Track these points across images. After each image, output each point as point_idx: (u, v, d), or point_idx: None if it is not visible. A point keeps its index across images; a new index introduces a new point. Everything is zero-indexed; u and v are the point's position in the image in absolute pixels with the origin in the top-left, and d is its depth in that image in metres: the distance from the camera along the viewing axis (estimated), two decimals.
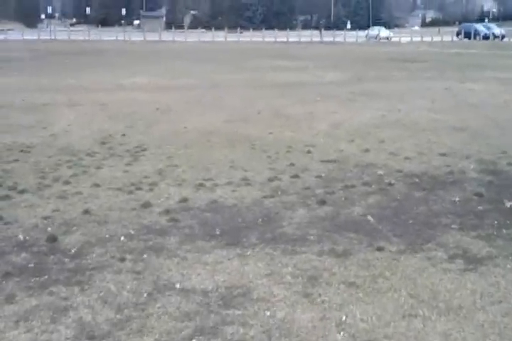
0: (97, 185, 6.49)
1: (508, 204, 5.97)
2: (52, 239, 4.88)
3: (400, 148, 8.62)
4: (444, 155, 8.20)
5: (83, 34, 54.21)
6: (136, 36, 54.06)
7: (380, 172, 7.27)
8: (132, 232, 5.06)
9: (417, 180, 6.94)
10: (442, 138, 9.36)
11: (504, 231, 5.22)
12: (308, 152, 8.36)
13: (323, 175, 7.14)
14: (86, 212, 5.57)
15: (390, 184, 6.74)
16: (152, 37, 51.95)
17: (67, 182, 6.58)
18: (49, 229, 5.13)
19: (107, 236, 4.98)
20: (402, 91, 15.47)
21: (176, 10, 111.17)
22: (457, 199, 6.18)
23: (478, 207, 5.92)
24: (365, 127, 10.35)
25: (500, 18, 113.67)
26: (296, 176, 7.03)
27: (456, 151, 8.43)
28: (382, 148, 8.64)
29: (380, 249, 4.74)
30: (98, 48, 37.67)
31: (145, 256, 4.55)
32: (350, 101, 13.68)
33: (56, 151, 8.17)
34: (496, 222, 5.44)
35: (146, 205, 5.80)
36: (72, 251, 4.66)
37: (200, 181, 6.72)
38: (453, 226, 5.35)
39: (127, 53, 33.37)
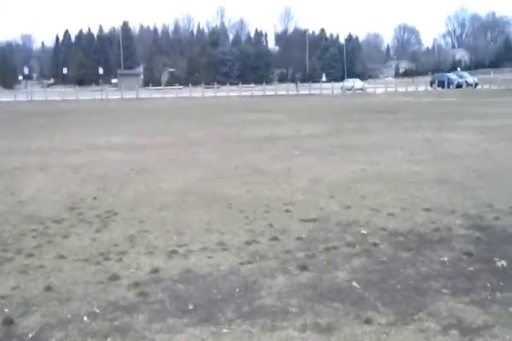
0: (62, 257, 6.06)
1: (499, 264, 5.65)
2: (9, 321, 4.44)
3: (382, 204, 8.31)
4: (428, 210, 7.90)
5: (60, 94, 54.28)
6: (113, 94, 54.23)
7: (364, 231, 6.94)
8: (97, 311, 4.62)
9: (402, 238, 6.60)
10: (425, 192, 9.07)
11: (498, 294, 4.86)
12: (288, 211, 8.02)
13: (303, 236, 6.78)
14: (48, 288, 5.13)
15: (374, 244, 6.39)
16: (129, 95, 52.18)
17: (30, 255, 6.13)
18: (6, 310, 4.68)
19: (69, 316, 4.54)
20: (380, 143, 15.31)
21: (153, 67, 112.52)
22: (446, 259, 5.83)
23: (469, 268, 5.58)
24: (345, 182, 10.06)
25: (472, 67, 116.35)
26: (275, 238, 6.66)
27: (440, 206, 8.13)
28: (364, 204, 8.33)
29: (368, 321, 4.34)
30: (74, 108, 37.62)
31: (109, 339, 4.12)
32: (329, 155, 13.45)
33: (22, 219, 7.74)
34: (489, 285, 5.09)
35: (114, 278, 5.37)
36: (30, 335, 4.21)
37: (174, 248, 6.33)
38: (444, 290, 4.98)
39: (104, 112, 33.28)
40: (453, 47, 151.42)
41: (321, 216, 7.71)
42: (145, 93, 56.10)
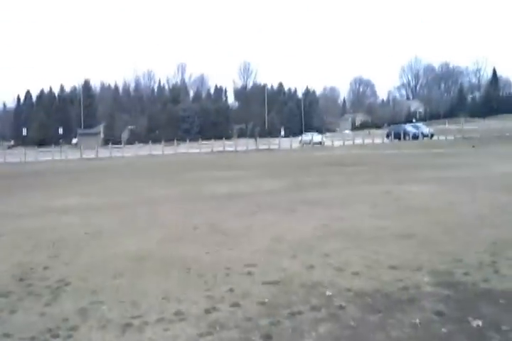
0: (7, 336, 5.59)
1: (474, 324, 5.38)
2: None
3: (347, 262, 8.03)
4: (394, 268, 7.64)
5: (19, 156, 53.57)
6: (72, 154, 53.83)
7: (329, 292, 6.62)
8: None
9: (369, 300, 6.30)
10: (389, 248, 8.83)
11: None
12: (249, 273, 7.68)
13: (266, 300, 6.43)
14: None
15: (340, 307, 6.08)
16: (89, 154, 51.68)
17: None
18: None
19: None
20: (342, 198, 15.14)
21: (114, 126, 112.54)
22: (417, 321, 5.54)
23: (442, 329, 5.29)
24: (307, 239, 9.78)
25: (427, 118, 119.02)
26: (236, 304, 6.31)
27: (406, 262, 7.89)
28: (328, 263, 8.04)
29: None
30: (32, 170, 37.06)
31: None
32: (290, 211, 13.19)
33: None
34: None
35: None
36: None
37: (128, 320, 5.91)
38: None
39: (62, 173, 32.78)
40: (408, 98, 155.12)
41: (284, 277, 7.39)
42: (105, 152, 55.71)
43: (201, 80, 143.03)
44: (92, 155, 52.43)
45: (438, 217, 11.51)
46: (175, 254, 9.10)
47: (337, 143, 59.60)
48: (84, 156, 52.21)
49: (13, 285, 7.55)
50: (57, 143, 75.93)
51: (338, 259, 8.26)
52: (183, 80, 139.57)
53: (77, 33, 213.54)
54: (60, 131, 79.55)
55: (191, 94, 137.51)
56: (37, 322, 5.98)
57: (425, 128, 69.16)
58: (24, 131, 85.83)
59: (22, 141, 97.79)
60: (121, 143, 74.10)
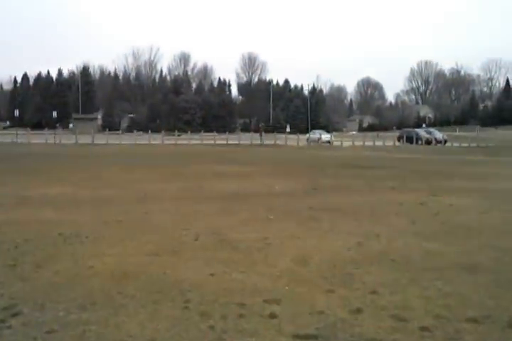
0: None
1: None
2: None
3: (405, 307, 5.79)
4: (475, 321, 5.41)
5: (11, 137, 51.34)
6: (67, 139, 51.52)
7: None
8: None
9: None
10: (456, 286, 6.58)
11: None
12: (272, 316, 5.46)
13: None
14: None
15: None
16: (85, 140, 49.44)
17: None
18: None
19: None
20: (370, 206, 12.89)
21: (113, 113, 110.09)
22: None
23: None
24: (342, 264, 7.54)
25: (437, 124, 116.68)
26: None
27: (488, 312, 5.65)
28: (380, 306, 5.80)
29: None
30: (21, 152, 34.74)
31: None
32: (312, 220, 10.94)
33: None
34: None
35: None
36: None
37: None
38: None
39: (50, 158, 30.49)
40: (417, 103, 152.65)
41: (322, 328, 5.17)
42: (101, 138, 53.33)
43: (204, 72, 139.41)
44: (88, 141, 50.14)
45: (499, 241, 9.23)
46: (169, 274, 6.88)
47: (346, 143, 57.25)
48: (79, 141, 49.95)
49: None
50: (52, 127, 73.57)
51: (392, 300, 6.02)
52: (185, 71, 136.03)
53: (79, 16, 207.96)
54: (54, 114, 76.57)
55: (194, 85, 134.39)
56: None
57: (438, 134, 66.80)
58: (16, 113, 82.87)
59: (18, 123, 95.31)
60: (119, 131, 71.62)
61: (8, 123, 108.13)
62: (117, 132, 62.55)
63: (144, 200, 13.39)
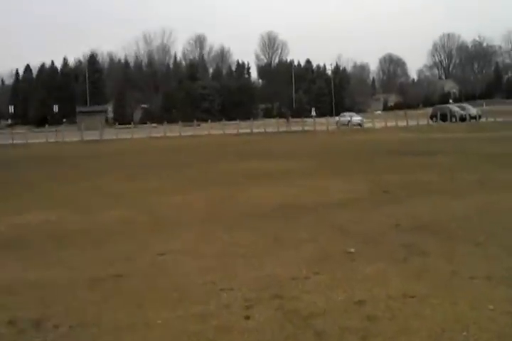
0: None
1: None
2: None
3: None
4: None
5: (11, 136, 46.04)
6: (72, 136, 47.16)
7: None
8: None
9: None
10: None
11: None
12: None
13: None
14: None
15: None
16: (92, 136, 45.45)
17: None
18: None
19: None
20: (479, 218, 8.88)
21: (125, 104, 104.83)
22: None
23: None
24: None
25: (462, 99, 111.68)
26: None
27: None
28: None
29: None
30: (13, 156, 30.60)
31: None
32: (415, 256, 6.98)
33: None
34: None
35: None
36: None
37: None
38: None
39: (47, 162, 26.02)
40: (440, 78, 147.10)
41: None
42: (111, 133, 49.16)
43: (221, 56, 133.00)
44: (95, 137, 45.95)
45: None
46: None
47: (378, 124, 53.00)
48: (85, 138, 45.67)
49: None
50: (59, 123, 69.33)
51: None
52: (201, 55, 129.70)
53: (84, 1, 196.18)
54: (55, 108, 72.00)
55: (210, 70, 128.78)
56: None
57: (472, 109, 62.01)
58: (11, 109, 77.53)
59: (21, 120, 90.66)
60: (134, 123, 67.12)
61: (9, 121, 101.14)
62: (128, 126, 58.27)
63: (157, 227, 9.43)
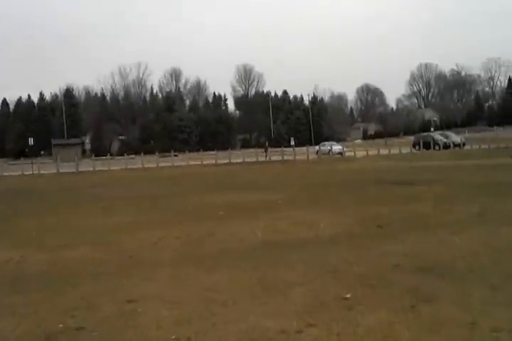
0: None
1: None
2: None
3: None
4: None
5: None
6: (48, 168, 46.45)
7: None
8: None
9: None
10: None
11: None
12: None
13: None
14: None
15: None
16: (68, 168, 44.49)
17: None
18: None
19: None
20: (490, 255, 7.94)
21: (101, 136, 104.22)
22: None
23: None
24: None
25: (444, 127, 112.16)
26: None
27: None
28: None
29: None
30: None
31: None
32: (425, 304, 5.99)
33: None
34: None
35: None
36: None
37: None
38: None
39: (17, 196, 24.96)
40: (419, 107, 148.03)
41: None
42: (88, 165, 48.33)
43: (198, 88, 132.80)
44: (72, 169, 45.27)
45: None
46: None
47: (359, 153, 52.40)
48: (61, 170, 45.07)
49: None
50: (38, 155, 68.48)
51: None
52: (177, 88, 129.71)
53: (58, 35, 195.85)
54: (31, 141, 70.81)
55: (187, 102, 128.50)
56: None
57: (455, 137, 61.89)
58: None
59: (1, 153, 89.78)
60: (111, 155, 66.05)
61: None
62: (104, 158, 57.16)
63: (127, 269, 8.34)
